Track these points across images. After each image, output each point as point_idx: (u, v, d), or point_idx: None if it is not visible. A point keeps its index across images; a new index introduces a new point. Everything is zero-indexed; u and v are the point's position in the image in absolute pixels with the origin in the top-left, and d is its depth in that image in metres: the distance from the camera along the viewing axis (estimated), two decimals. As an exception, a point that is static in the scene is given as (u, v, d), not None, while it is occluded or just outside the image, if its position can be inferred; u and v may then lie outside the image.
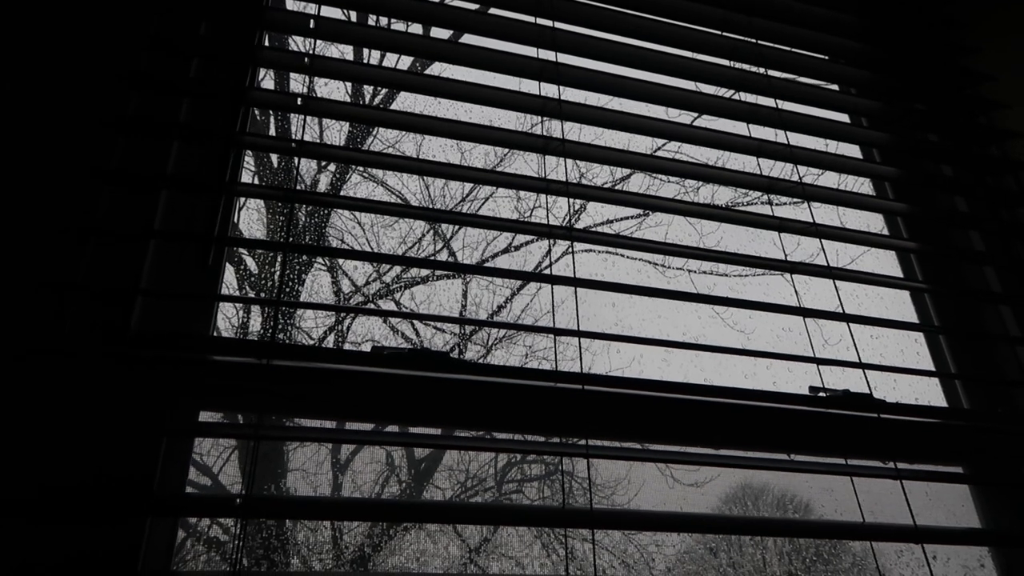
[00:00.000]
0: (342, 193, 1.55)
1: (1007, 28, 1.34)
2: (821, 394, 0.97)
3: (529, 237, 1.63)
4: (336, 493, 1.13)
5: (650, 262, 1.44)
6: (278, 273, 1.25)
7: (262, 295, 1.26)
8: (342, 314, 1.31)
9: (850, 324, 0.99)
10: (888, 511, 0.92)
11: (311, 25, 0.96)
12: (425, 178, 1.62)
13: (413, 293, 1.64)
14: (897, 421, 0.96)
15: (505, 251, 1.66)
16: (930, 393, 1.10)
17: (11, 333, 0.70)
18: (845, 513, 0.95)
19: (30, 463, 0.67)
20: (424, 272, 1.58)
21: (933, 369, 1.12)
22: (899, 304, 1.17)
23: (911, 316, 1.17)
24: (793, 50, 1.23)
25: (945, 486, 1.03)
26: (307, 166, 1.55)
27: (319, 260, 1.43)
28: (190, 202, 0.86)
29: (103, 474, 0.68)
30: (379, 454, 1.34)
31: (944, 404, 1.09)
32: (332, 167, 1.60)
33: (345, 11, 1.23)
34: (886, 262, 1.22)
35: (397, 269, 1.61)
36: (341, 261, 1.45)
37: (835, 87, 1.29)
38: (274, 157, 1.56)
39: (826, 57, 1.29)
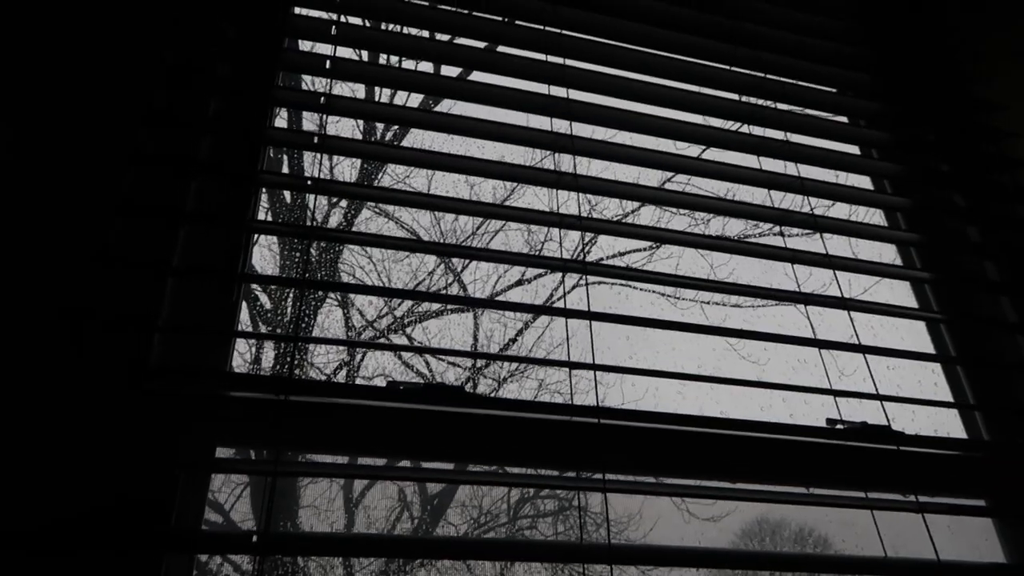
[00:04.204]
0: (354, 228, 1.56)
1: (1016, 54, 1.35)
2: (839, 426, 0.96)
3: (541, 270, 1.64)
4: (349, 529, 1.13)
5: (662, 294, 1.44)
6: (290, 309, 1.25)
7: (277, 331, 1.26)
8: (355, 350, 1.31)
9: (867, 356, 0.98)
10: (910, 546, 0.90)
11: (327, 65, 0.98)
12: (436, 214, 1.63)
13: (425, 328, 1.64)
14: (917, 453, 0.95)
15: (517, 284, 1.66)
16: (949, 425, 1.09)
17: (30, 361, 0.71)
18: (866, 548, 0.93)
19: (44, 497, 0.67)
20: (436, 306, 1.59)
21: (952, 400, 1.11)
22: (915, 335, 1.16)
23: (927, 347, 1.16)
24: (801, 83, 1.25)
25: (968, 520, 1.01)
26: (319, 203, 1.56)
27: (331, 296, 1.43)
28: (210, 237, 0.87)
29: (120, 510, 0.68)
30: (391, 490, 1.33)
31: (964, 436, 1.08)
32: (344, 203, 1.61)
33: (357, 51, 1.25)
34: (900, 293, 1.21)
35: (408, 304, 1.62)
36: (353, 296, 1.45)
37: (844, 119, 1.30)
38: (287, 194, 1.58)
39: (834, 90, 1.30)
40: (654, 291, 1.40)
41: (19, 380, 0.70)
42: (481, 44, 1.13)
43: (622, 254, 1.53)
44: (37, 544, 0.64)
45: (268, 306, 1.44)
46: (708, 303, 1.52)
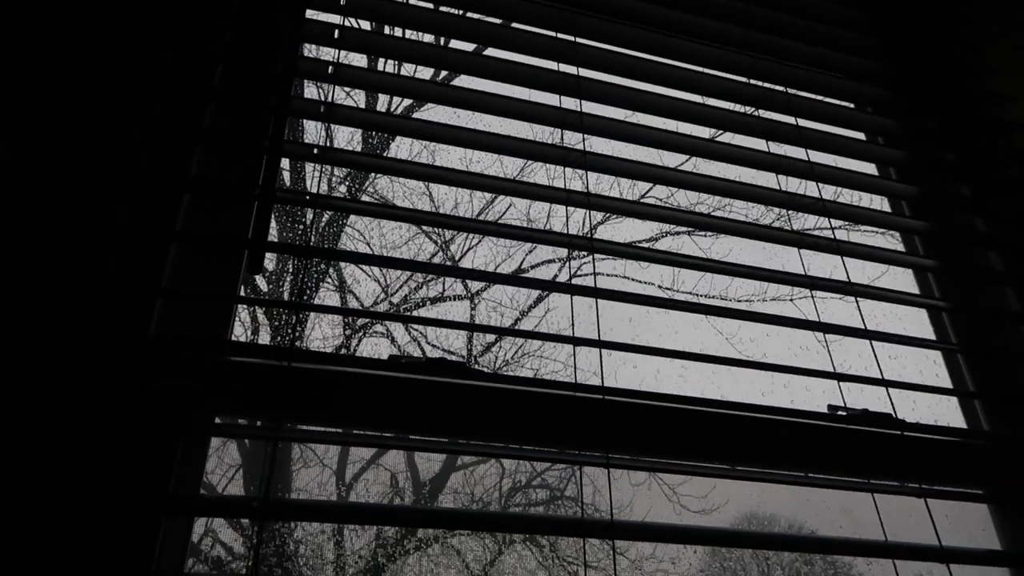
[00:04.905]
0: (352, 220, 1.56)
1: (1017, 48, 1.36)
2: (840, 412, 0.96)
3: (542, 259, 1.64)
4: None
5: (660, 285, 1.44)
6: (288, 289, 1.25)
7: (274, 313, 1.25)
8: (350, 333, 1.31)
9: (872, 341, 0.98)
10: (908, 536, 0.90)
11: (335, 35, 0.97)
12: (436, 202, 1.62)
13: (421, 315, 1.64)
14: (921, 440, 0.95)
15: (517, 272, 1.66)
16: (949, 415, 1.09)
17: (30, 337, 0.70)
18: (863, 536, 0.93)
19: (48, 461, 0.65)
20: (432, 293, 1.58)
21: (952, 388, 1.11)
22: (917, 324, 1.17)
23: (929, 336, 1.16)
24: (811, 68, 1.25)
25: (966, 510, 1.01)
26: (320, 187, 1.56)
27: (328, 281, 1.43)
28: (214, 209, 0.85)
29: (119, 474, 0.67)
30: (383, 475, 1.32)
31: (965, 426, 1.08)
32: (343, 188, 1.60)
33: (354, 20, 1.23)
34: (903, 283, 1.21)
35: (405, 290, 1.61)
36: (350, 282, 1.44)
37: (850, 105, 1.30)
38: (286, 172, 1.57)
39: (841, 76, 1.29)
40: (651, 282, 1.40)
41: (13, 357, 0.69)
42: (494, 20, 1.12)
43: (625, 244, 1.53)
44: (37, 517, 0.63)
45: (264, 289, 1.43)
46: (704, 296, 1.53)
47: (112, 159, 0.80)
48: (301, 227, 1.15)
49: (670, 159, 1.18)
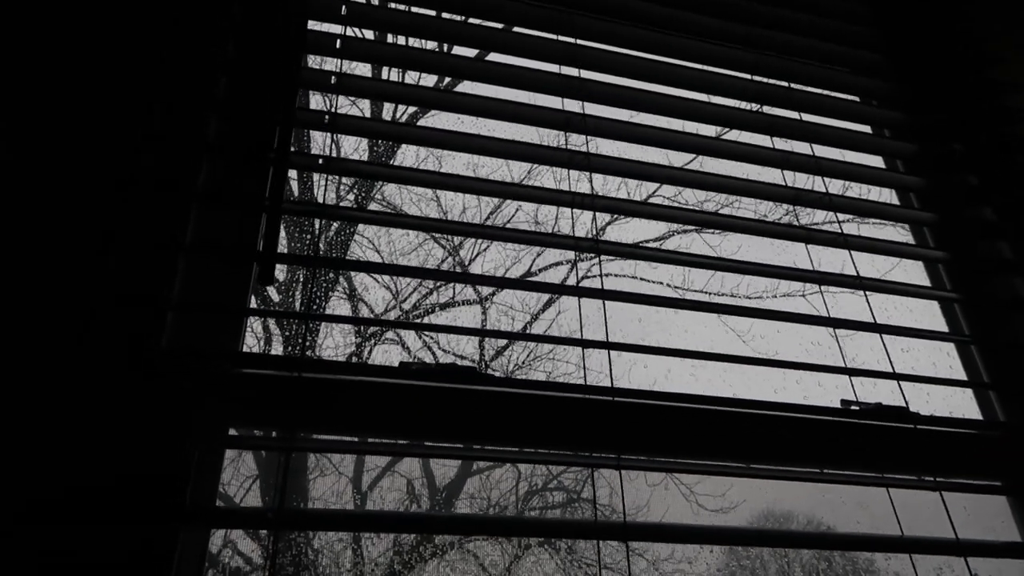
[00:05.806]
0: (361, 228, 1.57)
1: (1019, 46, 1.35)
2: (854, 407, 0.95)
3: (551, 261, 1.64)
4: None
5: (670, 284, 1.44)
6: (299, 299, 1.25)
7: (284, 323, 1.26)
8: (362, 341, 1.31)
9: (883, 335, 0.98)
10: (926, 529, 0.89)
11: (337, 45, 0.98)
12: (443, 207, 1.63)
13: (432, 321, 1.64)
14: (935, 433, 0.94)
15: (526, 277, 1.66)
16: (964, 407, 1.08)
17: (45, 343, 0.70)
18: (882, 531, 0.92)
19: (65, 474, 0.66)
20: (442, 299, 1.59)
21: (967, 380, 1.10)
22: (929, 317, 1.16)
23: (942, 328, 1.15)
24: (814, 63, 1.24)
25: (983, 502, 1.00)
26: (327, 196, 1.56)
27: (338, 290, 1.43)
28: (221, 220, 0.86)
29: (135, 489, 0.67)
30: (400, 482, 1.33)
31: (980, 418, 1.07)
32: (351, 196, 1.61)
33: (359, 30, 1.24)
34: (914, 276, 1.20)
35: (416, 297, 1.61)
36: (360, 290, 1.45)
37: (856, 99, 1.29)
38: (294, 183, 1.58)
39: (847, 70, 1.29)
40: (660, 281, 1.40)
41: (27, 366, 0.69)
42: (497, 25, 1.12)
43: (631, 245, 1.53)
44: (52, 516, 0.63)
45: (276, 299, 1.44)
46: (714, 293, 1.52)
47: (119, 166, 0.80)
48: (309, 237, 1.16)
49: (676, 158, 1.18)
